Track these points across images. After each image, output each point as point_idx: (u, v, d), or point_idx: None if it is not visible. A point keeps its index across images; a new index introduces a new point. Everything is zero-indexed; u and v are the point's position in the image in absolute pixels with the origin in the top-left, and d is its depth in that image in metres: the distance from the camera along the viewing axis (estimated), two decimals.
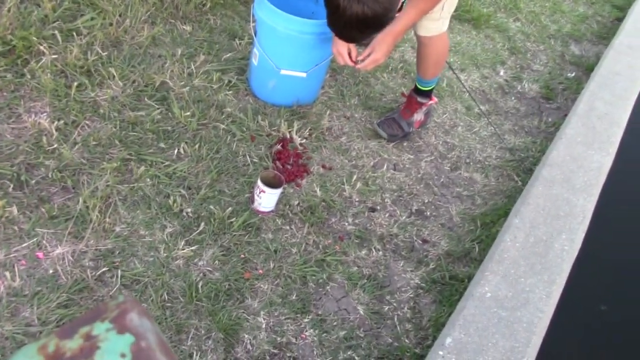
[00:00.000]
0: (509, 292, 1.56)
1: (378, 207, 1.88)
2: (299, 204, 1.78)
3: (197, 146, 1.81)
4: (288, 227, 1.71)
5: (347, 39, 1.65)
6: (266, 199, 1.66)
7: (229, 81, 2.08)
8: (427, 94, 2.10)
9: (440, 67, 2.01)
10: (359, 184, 1.92)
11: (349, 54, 1.76)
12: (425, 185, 2.02)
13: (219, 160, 1.81)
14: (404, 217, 1.88)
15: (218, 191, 1.72)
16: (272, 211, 1.72)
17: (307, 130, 2.02)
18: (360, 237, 1.76)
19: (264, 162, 1.87)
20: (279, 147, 1.92)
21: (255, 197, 1.67)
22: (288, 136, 1.97)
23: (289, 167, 1.88)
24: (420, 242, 1.82)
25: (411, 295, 1.65)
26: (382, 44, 1.71)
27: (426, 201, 1.97)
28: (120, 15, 2.09)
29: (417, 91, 2.09)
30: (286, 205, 1.76)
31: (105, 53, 1.96)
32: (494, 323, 1.46)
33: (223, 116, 1.95)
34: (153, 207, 1.59)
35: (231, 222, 1.63)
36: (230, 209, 1.66)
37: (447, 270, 1.73)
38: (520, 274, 1.62)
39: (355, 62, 1.77)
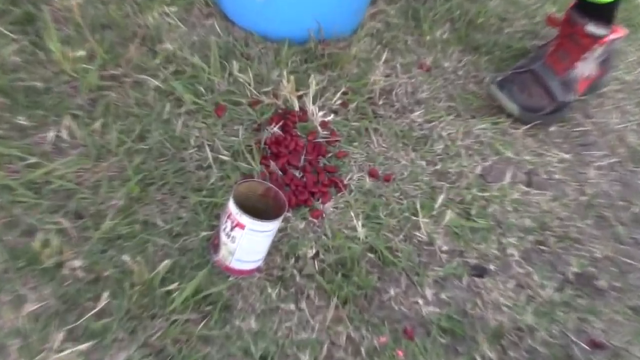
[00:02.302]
0: None
1: (491, 267, 1.55)
2: (318, 253, 1.46)
3: (97, 124, 1.51)
4: (293, 306, 1.39)
5: None
6: (247, 241, 1.34)
7: None
8: (607, 18, 1.81)
9: None
10: (449, 215, 1.58)
11: None
12: (596, 221, 1.70)
13: (144, 155, 1.49)
14: (548, 290, 1.52)
15: (141, 223, 1.40)
16: (256, 268, 1.39)
17: (337, 95, 1.72)
18: (453, 331, 1.43)
19: (242, 161, 1.57)
20: (275, 129, 1.61)
21: (223, 237, 1.35)
22: (296, 106, 1.65)
23: (296, 173, 1.56)
24: (586, 345, 1.51)
25: None
26: None
27: (598, 255, 1.64)
28: None
29: (584, 9, 1.80)
30: (289, 257, 1.44)
31: None
32: None
33: (156, 60, 1.67)
34: (1, 256, 1.32)
35: (167, 293, 1.31)
36: (166, 262, 1.33)
37: None
38: None
39: None
